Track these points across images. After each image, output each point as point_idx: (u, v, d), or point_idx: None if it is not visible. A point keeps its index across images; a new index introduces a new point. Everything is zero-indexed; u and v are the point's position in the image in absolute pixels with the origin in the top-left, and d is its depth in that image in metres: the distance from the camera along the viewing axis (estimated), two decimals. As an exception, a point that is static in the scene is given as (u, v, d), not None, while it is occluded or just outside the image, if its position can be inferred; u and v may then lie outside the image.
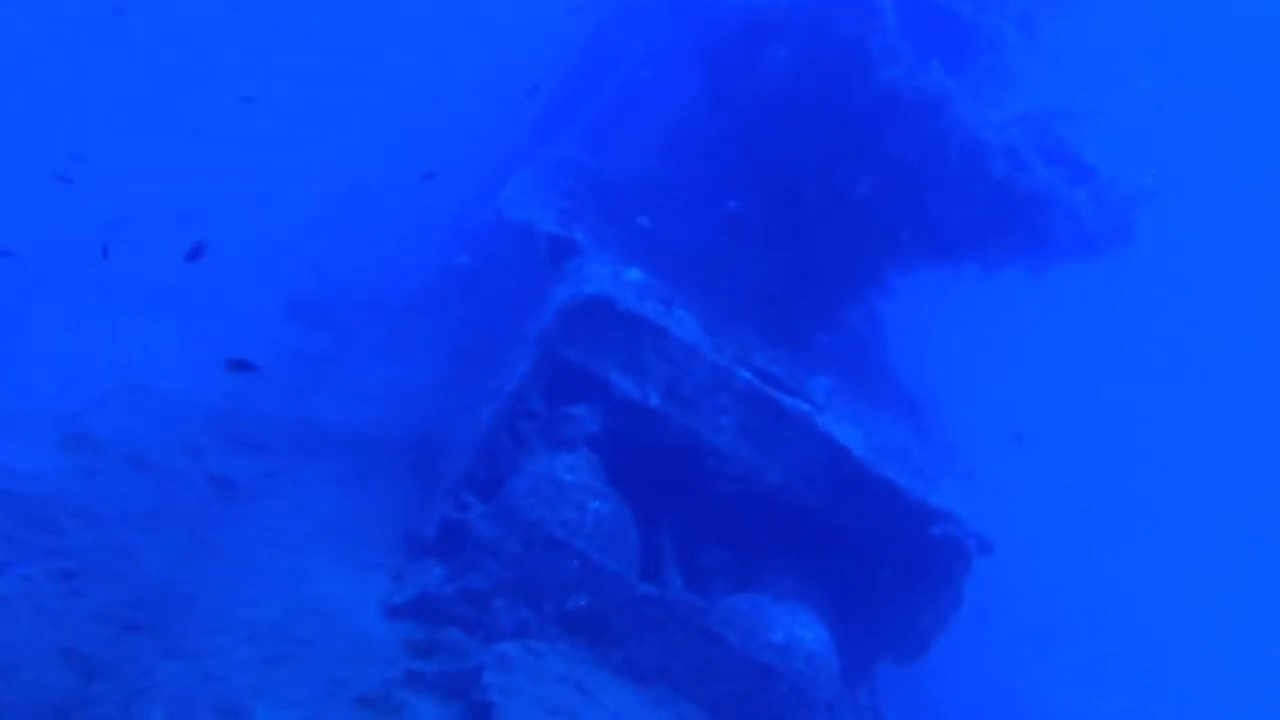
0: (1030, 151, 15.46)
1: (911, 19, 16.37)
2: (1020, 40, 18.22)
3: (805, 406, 14.29)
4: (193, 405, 17.20)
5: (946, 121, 15.02)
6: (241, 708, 10.31)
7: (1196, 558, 45.45)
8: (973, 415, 29.36)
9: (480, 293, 21.87)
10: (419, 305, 23.07)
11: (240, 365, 12.21)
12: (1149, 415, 52.90)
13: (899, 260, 17.36)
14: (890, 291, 18.84)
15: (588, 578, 12.72)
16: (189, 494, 14.72)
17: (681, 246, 17.91)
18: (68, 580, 11.74)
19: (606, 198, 19.29)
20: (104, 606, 11.47)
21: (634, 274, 15.04)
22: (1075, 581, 36.43)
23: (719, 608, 13.22)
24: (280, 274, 24.68)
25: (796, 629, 13.27)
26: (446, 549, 13.48)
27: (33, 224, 21.55)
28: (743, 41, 16.16)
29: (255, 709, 10.33)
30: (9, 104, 28.13)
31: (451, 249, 23.03)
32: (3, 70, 29.64)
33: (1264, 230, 52.55)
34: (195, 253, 11.79)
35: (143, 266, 21.72)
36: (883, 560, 14.71)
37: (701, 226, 18.06)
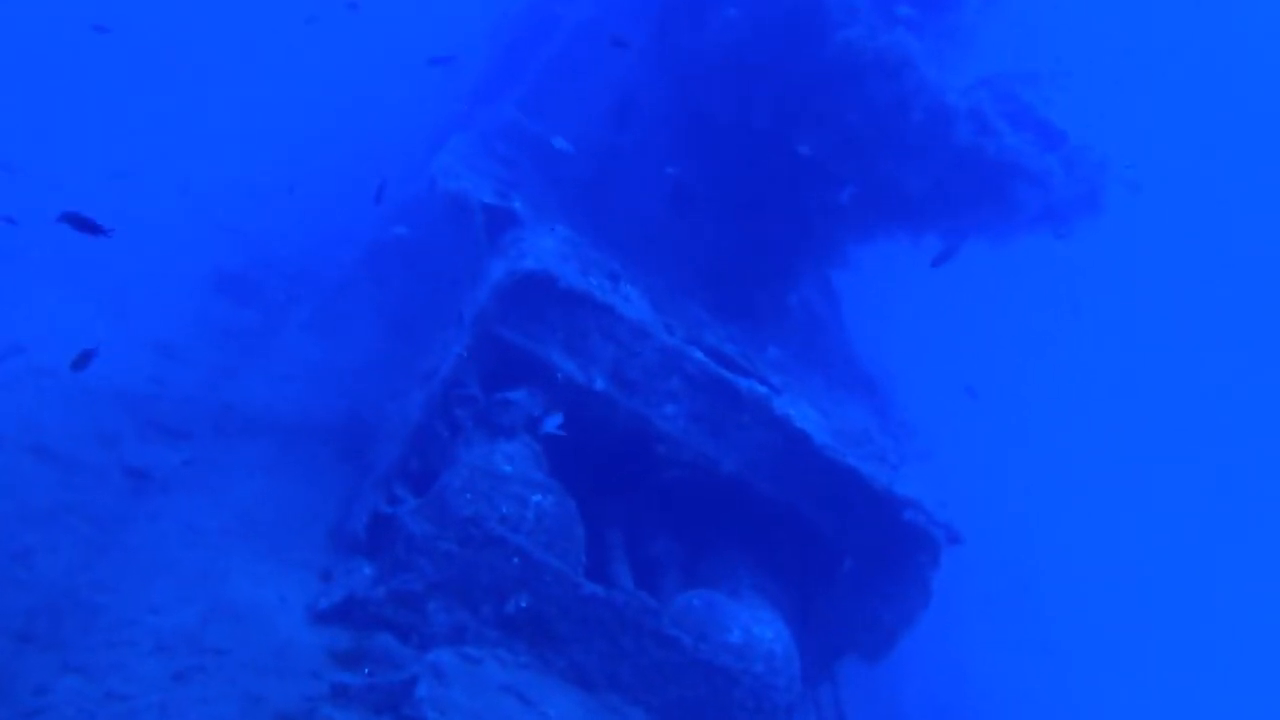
0: (996, 116, 14.59)
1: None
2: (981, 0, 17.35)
3: (761, 389, 13.39)
4: (108, 389, 16.01)
5: (909, 84, 14.14)
6: (144, 732, 9.38)
7: (1153, 531, 45.22)
8: (927, 386, 28.75)
9: (419, 266, 20.84)
10: (355, 279, 21.92)
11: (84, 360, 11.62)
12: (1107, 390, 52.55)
13: (856, 231, 16.53)
14: (846, 263, 18.01)
15: (529, 577, 11.77)
16: (98, 488, 13.61)
17: (628, 217, 16.97)
18: (-50, 590, 10.73)
19: (549, 165, 18.28)
20: (-8, 617, 10.46)
21: (561, 231, 14.09)
22: (1032, 559, 35.99)
23: (671, 607, 12.32)
24: (208, 247, 23.41)
25: (754, 627, 12.39)
26: (377, 547, 12.53)
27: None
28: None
29: (158, 735, 9.40)
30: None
31: (388, 220, 21.89)
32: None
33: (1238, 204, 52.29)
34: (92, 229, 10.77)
35: (57, 237, 20.43)
36: (845, 551, 13.88)
37: (650, 196, 17.12)
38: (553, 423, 12.78)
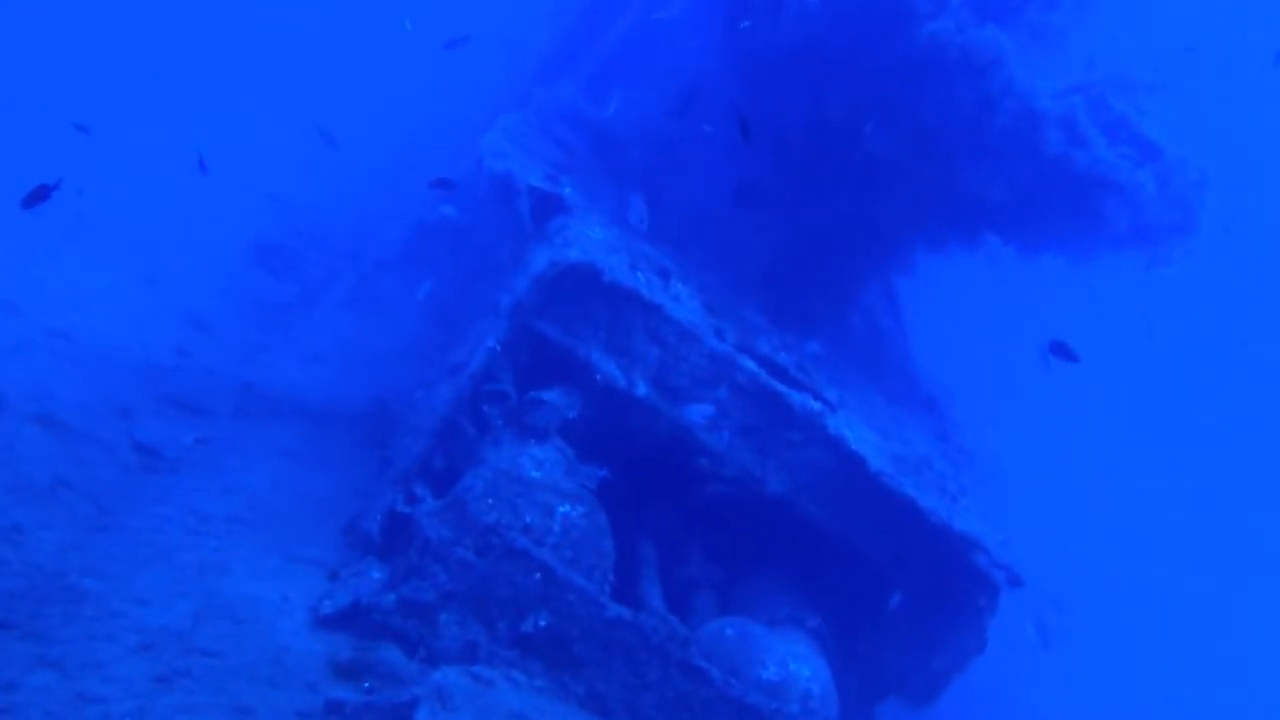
0: (1089, 125, 13.46)
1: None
2: (1078, -1, 16.17)
3: (815, 405, 12.36)
4: (127, 359, 15.29)
5: (996, 85, 13.06)
6: (112, 746, 8.51)
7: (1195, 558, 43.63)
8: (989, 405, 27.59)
9: (465, 250, 19.96)
10: (397, 259, 21.15)
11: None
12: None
13: (927, 238, 15.44)
14: (913, 272, 16.93)
15: (551, 594, 10.79)
16: (104, 463, 12.77)
17: (687, 211, 15.99)
18: (-77, 568, 9.93)
19: (606, 153, 17.36)
20: (-33, 601, 9.64)
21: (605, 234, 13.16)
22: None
23: (702, 635, 11.33)
24: (250, 217, 22.68)
25: (791, 663, 11.36)
26: (391, 548, 11.63)
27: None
28: (765, -17, 14.20)
29: (128, 750, 8.53)
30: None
31: (436, 200, 21.04)
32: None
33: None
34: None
35: (96, 204, 19.72)
36: (895, 586, 12.83)
37: (711, 190, 16.13)
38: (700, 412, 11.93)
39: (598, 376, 12.12)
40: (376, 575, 11.23)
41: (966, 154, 13.64)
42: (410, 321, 19.49)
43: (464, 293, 18.35)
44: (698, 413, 11.79)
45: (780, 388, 12.32)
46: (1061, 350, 13.68)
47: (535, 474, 11.41)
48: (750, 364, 12.35)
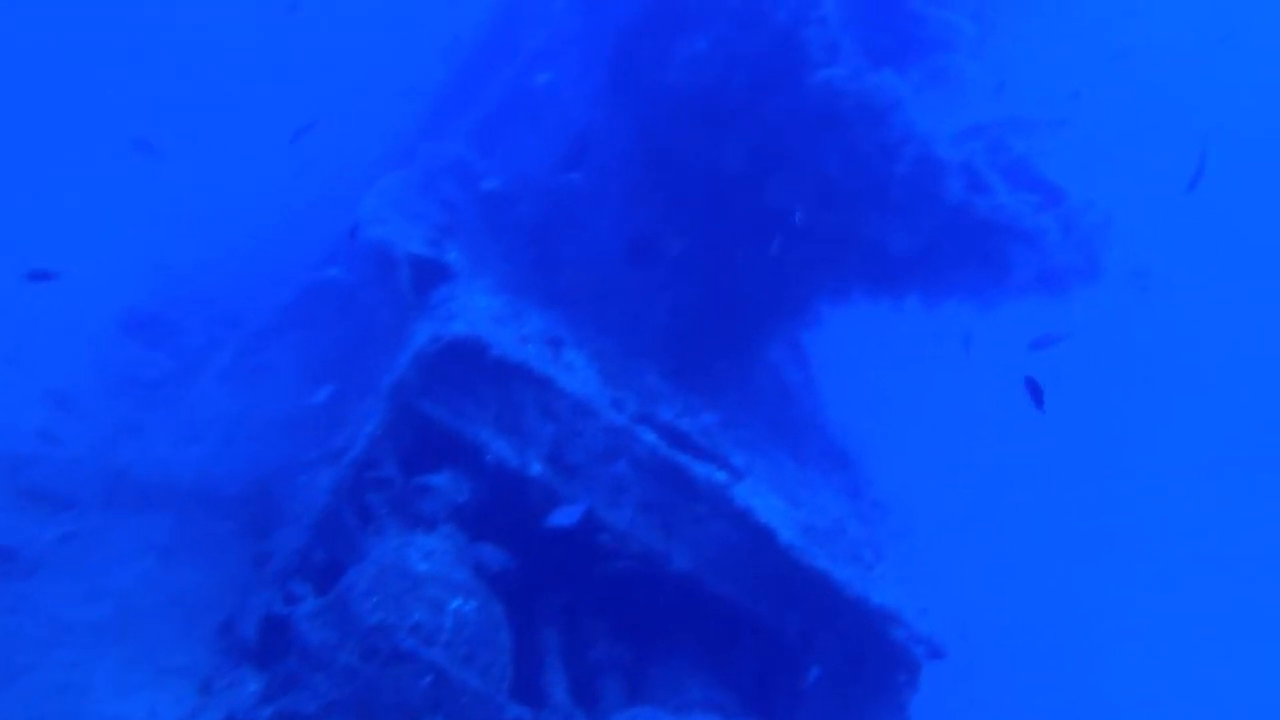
0: (990, 170, 12.98)
1: (854, 7, 13.87)
2: (975, 37, 15.71)
3: (720, 477, 11.66)
4: (-16, 447, 14.22)
5: (895, 132, 12.51)
6: None
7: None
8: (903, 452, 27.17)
9: (353, 312, 19.03)
10: (283, 323, 20.13)
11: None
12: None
13: (831, 290, 14.86)
14: (817, 324, 16.35)
15: (444, 698, 9.93)
16: (-50, 571, 11.76)
17: (581, 268, 15.29)
18: None
19: (495, 210, 16.58)
20: None
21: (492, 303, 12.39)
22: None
23: (608, 731, 10.57)
24: (124, 285, 21.53)
25: (704, 755, 10.65)
26: (269, 655, 10.68)
27: None
28: (653, 30, 13.56)
29: None
30: None
31: (323, 260, 20.13)
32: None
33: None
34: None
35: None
36: (812, 663, 12.13)
37: (606, 246, 15.43)
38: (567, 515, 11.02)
39: (488, 457, 11.32)
40: (253, 687, 10.33)
41: (868, 203, 13.08)
42: (296, 390, 18.49)
43: (353, 357, 17.47)
44: (565, 515, 11.01)
45: (683, 459, 11.63)
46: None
47: (423, 567, 10.53)
48: (650, 436, 11.64)
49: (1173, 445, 52.35)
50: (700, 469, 11.62)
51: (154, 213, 25.73)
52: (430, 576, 10.46)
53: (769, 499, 12.07)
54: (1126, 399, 52.30)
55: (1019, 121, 16.31)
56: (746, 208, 13.90)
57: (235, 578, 12.57)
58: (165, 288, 22.03)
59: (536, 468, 11.36)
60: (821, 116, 12.68)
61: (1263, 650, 41.29)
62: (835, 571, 11.44)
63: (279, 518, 13.27)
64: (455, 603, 10.35)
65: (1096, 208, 14.11)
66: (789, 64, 12.62)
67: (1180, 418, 54.31)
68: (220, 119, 34.54)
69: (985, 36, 16.21)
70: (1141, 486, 49.17)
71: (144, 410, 17.01)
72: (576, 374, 11.91)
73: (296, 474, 13.95)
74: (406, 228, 13.48)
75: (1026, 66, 19.03)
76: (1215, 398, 55.76)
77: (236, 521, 13.99)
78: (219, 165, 30.19)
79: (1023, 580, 36.92)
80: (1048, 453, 44.98)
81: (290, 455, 15.63)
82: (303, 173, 27.63)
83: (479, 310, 11.95)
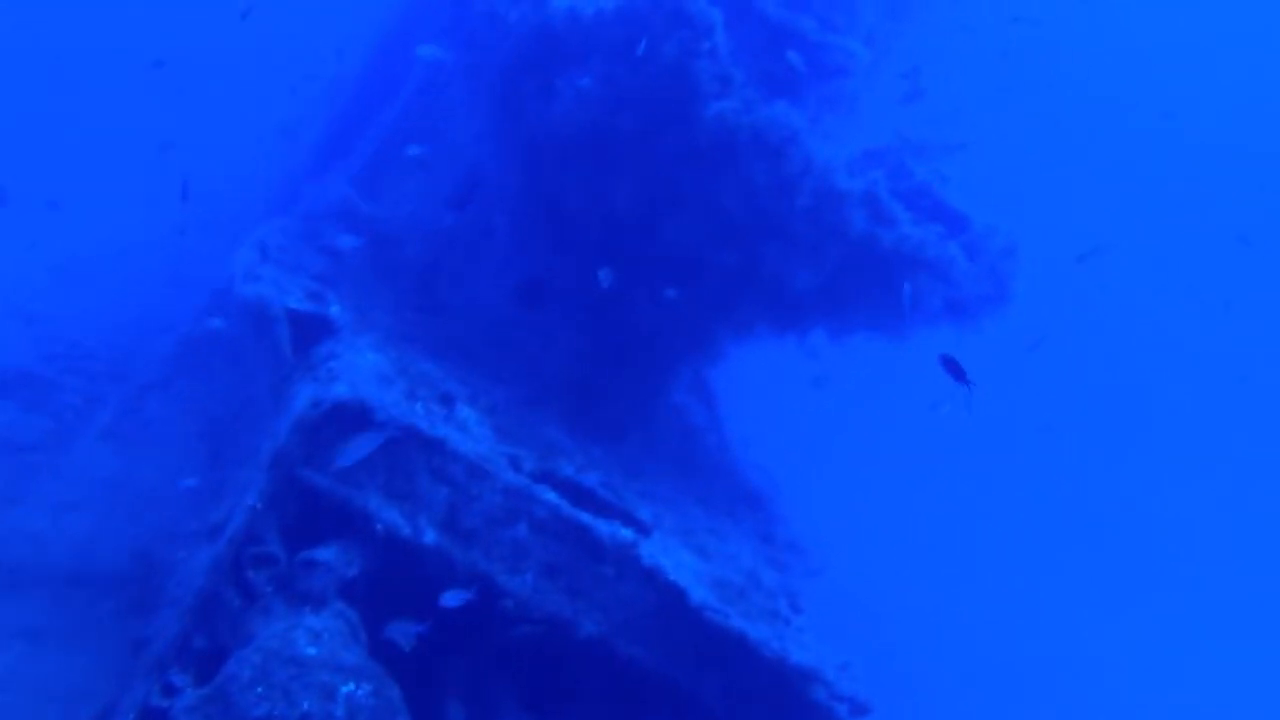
0: (892, 200, 12.58)
1: (745, 38, 13.45)
2: (869, 62, 15.38)
3: (626, 536, 11.08)
4: None
5: (793, 165, 12.08)
6: None
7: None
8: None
9: (240, 362, 18.18)
10: (168, 376, 19.16)
11: None
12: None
13: (733, 328, 14.40)
14: (721, 359, 15.86)
15: (340, 792, 9.28)
16: None
17: (473, 314, 14.68)
18: None
19: (382, 253, 15.89)
20: None
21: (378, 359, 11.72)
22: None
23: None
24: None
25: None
26: (145, 755, 9.92)
27: None
28: (535, 66, 12.98)
29: None
30: None
31: (205, 309, 19.20)
32: None
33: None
34: None
35: None
36: (731, 723, 11.58)
37: (497, 289, 14.83)
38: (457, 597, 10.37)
39: (378, 526, 10.63)
40: (127, 795, 9.55)
41: (768, 239, 12.64)
42: (183, 449, 17.59)
43: (239, 413, 16.68)
44: (455, 597, 10.38)
45: (586, 519, 11.03)
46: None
47: (312, 650, 9.84)
48: (551, 496, 11.03)
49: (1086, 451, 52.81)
50: (604, 527, 11.03)
51: (17, 262, 24.49)
52: (319, 661, 9.78)
53: (678, 555, 11.53)
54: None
55: (917, 145, 16.02)
56: (641, 247, 13.38)
57: (112, 665, 11.74)
58: (37, 342, 20.93)
59: (431, 535, 10.70)
60: (715, 152, 12.21)
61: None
62: (750, 630, 10.89)
63: (161, 596, 12.46)
64: (347, 688, 9.68)
65: (1001, 233, 13.81)
66: (679, 99, 12.13)
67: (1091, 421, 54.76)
68: (92, 162, 33.21)
69: (878, 59, 15.93)
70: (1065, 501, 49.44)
71: (15, 480, 15.99)
72: (470, 432, 11.29)
73: (180, 544, 13.17)
74: (284, 280, 12.75)
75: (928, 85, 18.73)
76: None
77: (116, 601, 13.13)
78: (91, 211, 29.02)
79: (946, 608, 36.65)
80: (965, 474, 45.00)
81: (176, 522, 14.82)
82: (184, 218, 26.62)
83: (363, 368, 11.28)
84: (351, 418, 10.54)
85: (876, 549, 33.42)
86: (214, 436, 17.40)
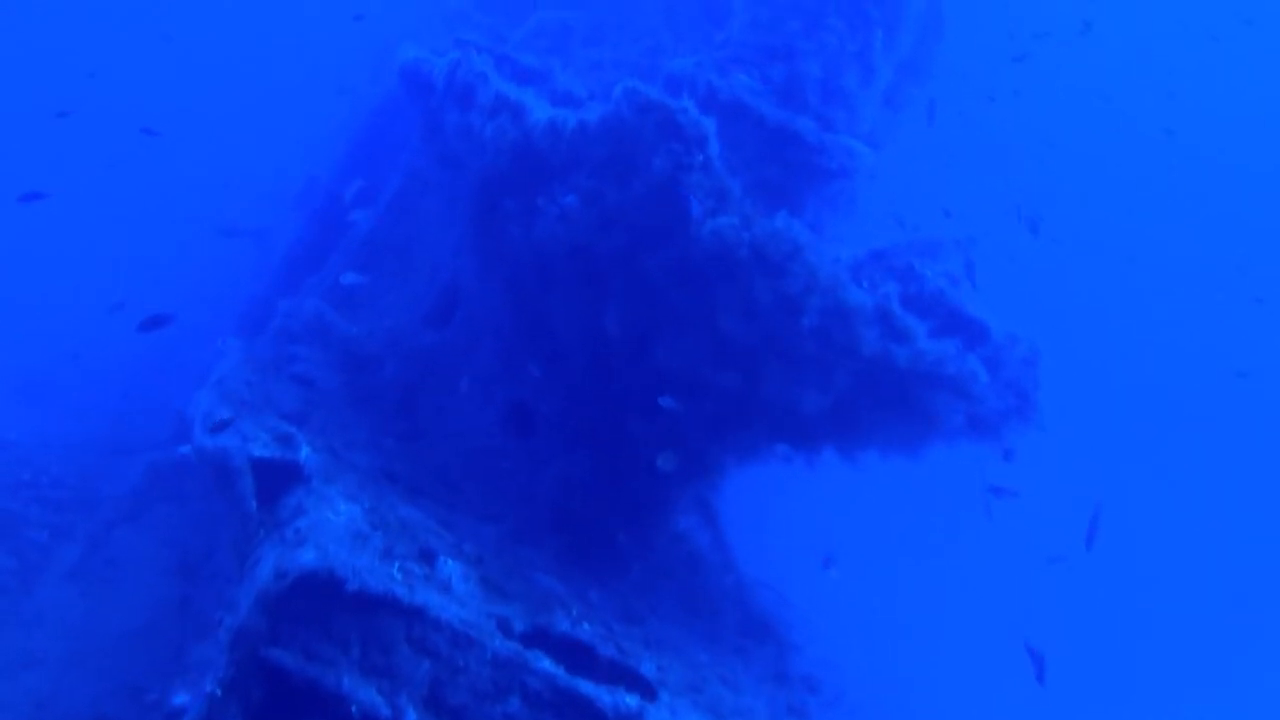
0: (906, 314, 11.56)
1: (739, 143, 12.54)
2: (873, 161, 14.44)
3: (630, 702, 9.96)
4: None
5: (797, 283, 11.07)
6: None
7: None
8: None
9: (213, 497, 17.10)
10: (136, 509, 18.06)
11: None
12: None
13: (735, 450, 13.38)
14: (725, 479, 14.80)
15: None
16: None
17: (456, 442, 13.67)
18: None
19: (357, 374, 14.90)
20: None
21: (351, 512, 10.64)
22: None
23: None
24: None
25: None
26: None
27: None
28: (515, 183, 12.06)
29: None
30: None
31: (175, 434, 18.14)
32: None
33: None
34: None
35: None
36: None
37: (482, 415, 13.83)
38: None
39: (353, 709, 9.51)
40: None
41: (772, 360, 11.64)
42: (157, 587, 16.49)
43: (210, 549, 15.65)
44: None
45: (585, 688, 9.90)
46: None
47: None
48: (545, 664, 9.91)
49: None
50: (606, 697, 9.90)
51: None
52: None
53: (689, 717, 10.41)
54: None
55: (925, 243, 15.10)
56: (633, 368, 12.39)
57: None
58: (4, 472, 19.80)
59: (412, 716, 9.58)
60: (712, 270, 11.24)
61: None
62: (772, 810, 9.80)
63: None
64: None
65: (1022, 341, 12.81)
66: (671, 215, 11.16)
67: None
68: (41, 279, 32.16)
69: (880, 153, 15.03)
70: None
71: (-27, 630, 14.90)
72: (453, 593, 10.20)
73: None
74: (249, 425, 11.67)
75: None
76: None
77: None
78: (54, 327, 28.02)
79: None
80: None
81: (142, 673, 13.76)
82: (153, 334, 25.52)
83: (334, 526, 10.22)
84: (320, 588, 9.47)
85: (893, 656, 32.08)
86: (186, 572, 16.37)
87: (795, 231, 11.11)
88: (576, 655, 10.48)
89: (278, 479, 11.19)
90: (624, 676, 10.57)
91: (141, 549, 17.45)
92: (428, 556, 10.47)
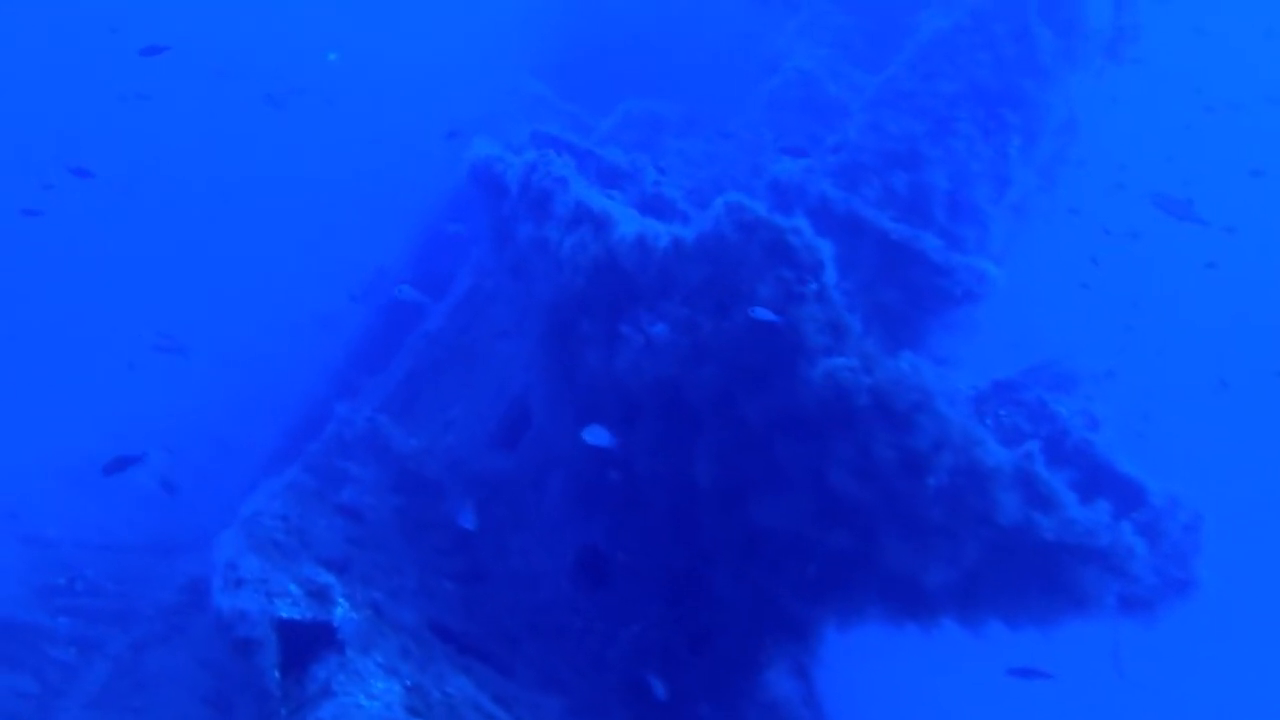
0: (1051, 477, 9.72)
1: (853, 263, 10.86)
2: (1003, 281, 12.69)
3: None
4: None
5: (924, 438, 9.32)
6: None
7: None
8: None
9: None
10: (168, 630, 16.59)
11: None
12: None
13: (840, 616, 11.59)
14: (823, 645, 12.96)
15: None
16: None
17: (519, 592, 12.03)
18: None
19: (414, 501, 13.35)
20: None
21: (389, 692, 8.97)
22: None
23: None
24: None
25: None
26: None
27: None
28: (595, 306, 10.49)
29: None
30: None
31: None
32: None
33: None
34: None
35: None
36: None
37: (551, 557, 12.21)
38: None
39: None
40: None
41: (889, 523, 9.86)
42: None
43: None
44: None
45: None
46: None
47: None
48: None
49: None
50: None
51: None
52: None
53: None
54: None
55: (1056, 373, 13.30)
56: (724, 521, 10.68)
57: None
58: (35, 569, 18.39)
59: None
60: (824, 418, 9.51)
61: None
62: None
63: None
64: None
65: (1183, 505, 10.93)
66: (777, 351, 9.47)
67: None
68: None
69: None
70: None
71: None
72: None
73: None
74: (277, 578, 10.03)
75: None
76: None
77: None
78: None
79: None
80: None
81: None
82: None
83: (367, 713, 8.56)
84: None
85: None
86: (219, 703, 14.83)
87: (924, 377, 9.38)
88: None
89: (307, 642, 9.57)
90: None
91: (174, 671, 16.00)
92: (479, 744, 8.81)
